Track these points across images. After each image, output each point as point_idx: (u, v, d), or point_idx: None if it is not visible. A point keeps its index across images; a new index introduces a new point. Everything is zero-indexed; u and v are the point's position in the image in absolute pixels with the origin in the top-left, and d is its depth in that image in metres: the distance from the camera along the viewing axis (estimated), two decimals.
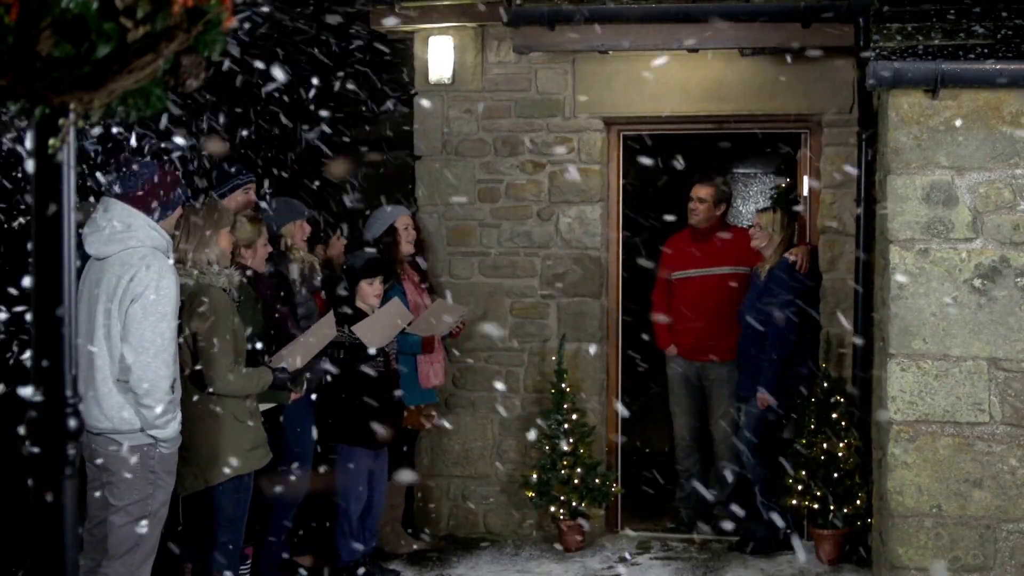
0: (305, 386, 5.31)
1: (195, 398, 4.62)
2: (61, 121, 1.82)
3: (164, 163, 4.59)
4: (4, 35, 1.68)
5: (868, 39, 5.35)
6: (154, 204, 4.31)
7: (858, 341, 5.95)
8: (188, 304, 4.59)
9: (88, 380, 4.17)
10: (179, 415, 4.32)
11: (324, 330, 5.23)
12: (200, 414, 4.63)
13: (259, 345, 5.05)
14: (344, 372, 5.63)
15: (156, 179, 4.34)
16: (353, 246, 6.29)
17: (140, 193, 4.29)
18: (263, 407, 5.20)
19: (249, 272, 5.18)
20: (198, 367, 4.65)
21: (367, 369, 5.66)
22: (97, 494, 4.27)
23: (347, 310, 5.70)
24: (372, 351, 5.65)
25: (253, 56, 5.37)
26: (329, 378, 5.57)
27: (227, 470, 4.72)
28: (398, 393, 5.90)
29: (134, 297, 4.12)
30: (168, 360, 4.17)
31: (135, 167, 4.35)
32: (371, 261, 5.91)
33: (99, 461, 4.23)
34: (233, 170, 5.53)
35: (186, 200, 4.63)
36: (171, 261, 4.34)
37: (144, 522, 4.21)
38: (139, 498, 4.20)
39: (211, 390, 4.67)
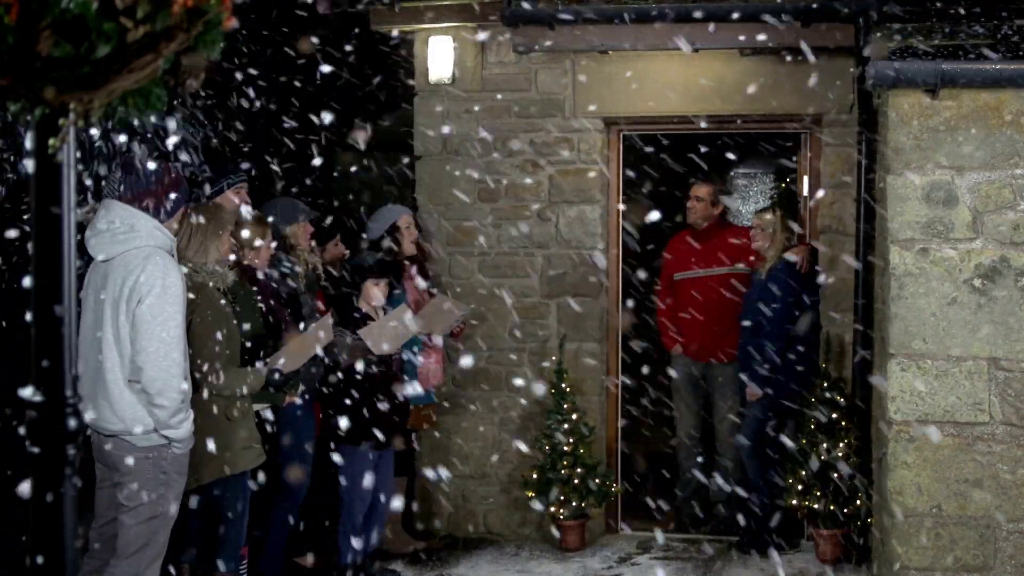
0: (300, 388, 5.31)
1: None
2: (61, 121, 1.82)
3: (166, 164, 4.58)
4: (4, 35, 1.68)
5: (868, 39, 5.35)
6: (157, 205, 4.30)
7: (859, 345, 5.95)
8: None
9: (98, 383, 4.16)
10: (191, 415, 4.32)
11: (320, 332, 5.22)
12: (194, 412, 4.63)
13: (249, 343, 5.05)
14: (347, 371, 5.63)
15: (159, 180, 4.33)
16: (351, 247, 6.28)
17: (142, 193, 4.29)
18: (257, 407, 5.19)
19: (250, 272, 5.18)
20: (191, 366, 4.66)
21: (371, 368, 5.65)
22: (107, 494, 4.27)
23: (355, 313, 5.69)
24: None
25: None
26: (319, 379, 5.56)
27: (220, 469, 4.72)
28: (409, 389, 5.87)
29: (140, 297, 4.12)
30: (179, 359, 4.18)
31: (138, 168, 4.35)
32: (380, 262, 5.88)
33: (111, 462, 4.23)
34: (224, 170, 5.53)
35: (187, 200, 4.63)
36: (175, 260, 4.34)
37: (155, 522, 4.21)
38: (151, 499, 4.20)
39: (204, 388, 4.68)
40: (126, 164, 4.37)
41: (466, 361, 6.36)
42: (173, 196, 4.38)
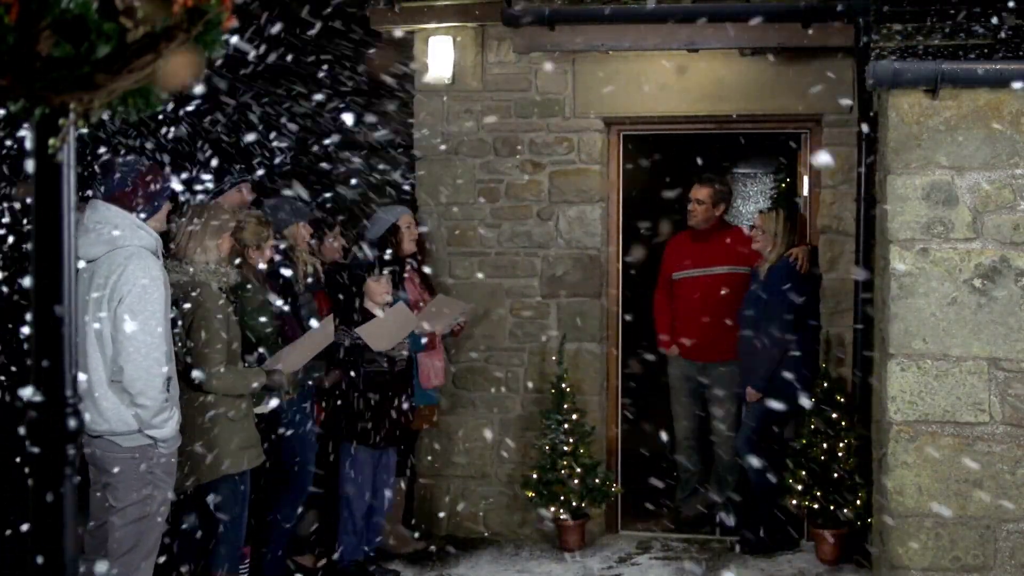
0: (298, 389, 5.31)
1: (186, 397, 4.61)
2: (61, 121, 1.82)
3: (148, 161, 4.57)
4: (4, 35, 1.68)
5: (868, 39, 5.35)
6: (139, 203, 4.29)
7: (858, 341, 5.95)
8: (182, 302, 4.60)
9: (84, 383, 4.16)
10: (177, 415, 4.31)
11: (322, 333, 5.22)
12: (191, 413, 4.63)
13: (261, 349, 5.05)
14: (349, 371, 5.63)
15: (140, 177, 4.32)
16: (350, 246, 6.28)
17: (125, 193, 4.27)
18: (264, 408, 5.19)
19: (255, 272, 5.19)
20: (190, 365, 4.66)
21: (372, 368, 5.65)
22: (98, 495, 4.27)
23: (356, 312, 5.69)
24: (377, 352, 5.65)
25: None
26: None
27: (218, 469, 4.72)
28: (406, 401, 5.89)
29: (121, 297, 4.11)
30: (160, 359, 4.16)
31: (119, 166, 4.34)
32: (380, 259, 5.89)
33: (99, 463, 4.22)
34: (226, 169, 5.53)
35: (170, 198, 4.61)
36: (160, 260, 4.32)
37: (143, 523, 4.21)
38: (138, 499, 4.20)
39: (204, 388, 4.68)
40: (107, 164, 4.36)
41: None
42: (156, 194, 4.36)
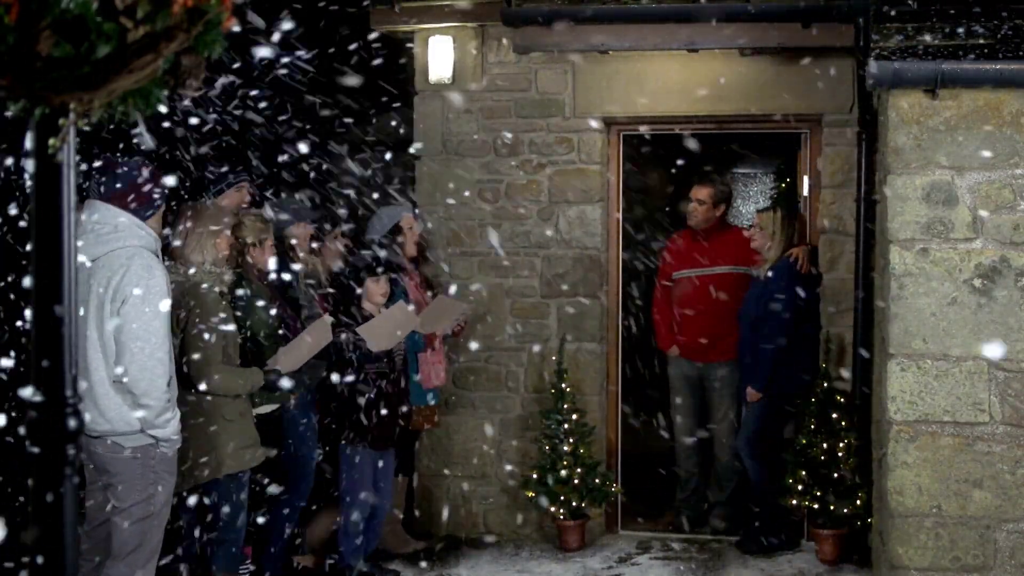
0: (300, 389, 5.30)
1: (185, 397, 4.61)
2: (61, 121, 1.82)
3: (145, 161, 4.57)
4: (4, 35, 1.68)
5: (868, 39, 5.35)
6: (138, 203, 4.29)
7: (862, 352, 5.95)
8: (179, 302, 4.60)
9: (84, 383, 4.15)
10: (178, 414, 4.32)
11: (319, 333, 5.22)
12: (189, 413, 4.63)
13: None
14: (350, 372, 5.63)
15: (138, 178, 4.32)
16: (352, 245, 6.27)
17: (123, 193, 4.27)
18: (266, 409, 5.19)
19: (256, 272, 5.18)
20: (188, 365, 4.66)
21: (373, 369, 5.65)
22: (99, 496, 4.27)
23: (356, 312, 5.69)
24: (377, 352, 5.65)
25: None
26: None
27: (216, 470, 4.72)
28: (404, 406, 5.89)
29: (125, 297, 4.11)
30: (163, 358, 4.17)
31: (117, 167, 4.34)
32: (379, 260, 5.89)
33: (100, 463, 4.22)
34: (225, 169, 5.53)
35: (167, 198, 4.60)
36: (159, 259, 4.32)
37: (147, 522, 4.21)
38: (141, 499, 4.20)
39: (200, 388, 4.68)
40: (106, 164, 4.36)
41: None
42: (154, 195, 4.36)
